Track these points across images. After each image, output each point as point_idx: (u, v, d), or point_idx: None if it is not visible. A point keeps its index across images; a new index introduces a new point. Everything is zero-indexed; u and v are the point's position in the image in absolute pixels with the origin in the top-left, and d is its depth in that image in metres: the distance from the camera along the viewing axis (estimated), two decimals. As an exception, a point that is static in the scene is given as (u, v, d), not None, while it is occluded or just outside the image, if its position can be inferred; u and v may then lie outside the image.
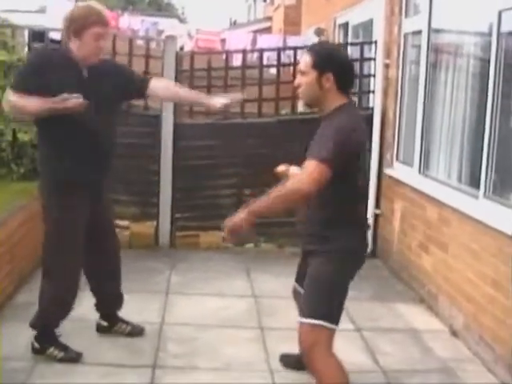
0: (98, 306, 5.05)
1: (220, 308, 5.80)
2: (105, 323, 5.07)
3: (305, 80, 3.75)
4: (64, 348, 4.64)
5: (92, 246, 4.73)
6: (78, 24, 4.29)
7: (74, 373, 4.46)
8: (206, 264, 7.16)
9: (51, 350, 4.62)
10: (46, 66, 4.37)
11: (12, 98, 4.32)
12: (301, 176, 3.57)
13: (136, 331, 5.08)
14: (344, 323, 5.22)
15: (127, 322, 5.09)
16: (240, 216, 3.57)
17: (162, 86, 4.93)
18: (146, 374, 4.51)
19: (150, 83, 4.74)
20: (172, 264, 7.03)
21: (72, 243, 4.55)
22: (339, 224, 3.74)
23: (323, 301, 3.73)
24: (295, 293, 4.27)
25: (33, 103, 4.24)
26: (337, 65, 3.74)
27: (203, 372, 4.59)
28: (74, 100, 4.15)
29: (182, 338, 5.11)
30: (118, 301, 5.08)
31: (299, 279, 4.20)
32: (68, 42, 4.41)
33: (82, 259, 4.68)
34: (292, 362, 4.64)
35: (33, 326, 4.69)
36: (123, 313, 5.11)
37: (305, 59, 3.77)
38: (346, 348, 4.59)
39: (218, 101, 4.72)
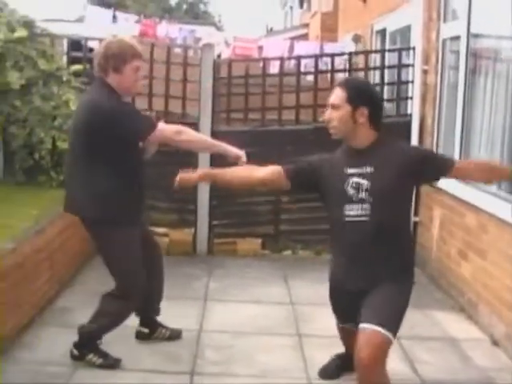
0: (138, 312, 5.03)
1: (257, 315, 5.80)
2: (146, 330, 5.09)
3: (336, 114, 3.76)
4: (103, 354, 4.67)
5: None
6: (117, 59, 4.34)
7: (113, 378, 4.49)
8: (244, 271, 7.17)
9: (90, 356, 4.65)
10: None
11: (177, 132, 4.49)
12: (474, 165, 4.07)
13: (174, 335, 5.13)
14: (382, 331, 5.20)
15: (166, 327, 5.13)
16: None
17: None
18: (184, 380, 4.52)
19: None
20: (210, 271, 7.05)
21: (137, 266, 4.58)
22: (410, 250, 3.81)
23: (398, 317, 3.76)
24: (344, 332, 4.27)
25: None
26: (371, 100, 3.78)
27: (241, 379, 4.59)
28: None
29: (219, 344, 5.11)
30: (157, 308, 5.10)
31: (348, 319, 4.11)
32: (104, 77, 4.40)
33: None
34: (329, 374, 4.62)
35: (81, 334, 4.70)
36: (162, 319, 5.13)
37: (338, 93, 3.78)
38: (385, 356, 4.56)
39: None
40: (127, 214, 4.49)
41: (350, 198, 3.74)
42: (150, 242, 4.95)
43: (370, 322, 3.65)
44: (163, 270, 5.08)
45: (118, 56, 4.35)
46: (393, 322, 3.69)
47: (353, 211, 3.75)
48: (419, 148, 3.90)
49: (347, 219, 3.77)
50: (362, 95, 3.75)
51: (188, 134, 4.53)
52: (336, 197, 3.82)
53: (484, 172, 3.89)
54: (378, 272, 3.78)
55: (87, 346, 4.69)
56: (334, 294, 4.12)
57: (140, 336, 5.10)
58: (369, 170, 3.71)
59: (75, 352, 4.69)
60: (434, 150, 7.17)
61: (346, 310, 4.07)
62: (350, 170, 3.77)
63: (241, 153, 4.58)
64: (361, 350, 3.60)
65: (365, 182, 3.71)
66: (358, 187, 3.73)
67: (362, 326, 3.67)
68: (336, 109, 3.76)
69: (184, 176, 4.12)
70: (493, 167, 4.07)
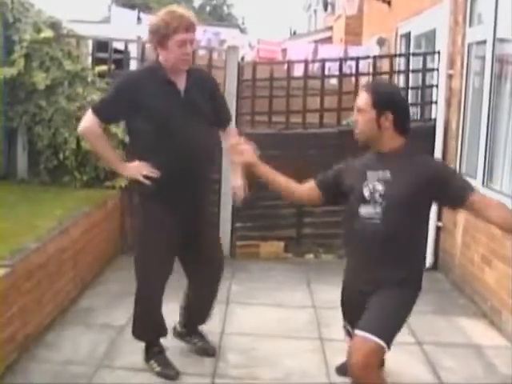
0: (182, 312, 4.96)
1: (280, 318, 5.78)
2: (180, 329, 5.00)
3: (362, 118, 3.73)
4: (163, 363, 4.65)
5: (188, 260, 4.74)
6: (160, 34, 4.16)
7: (135, 379, 4.51)
8: (266, 274, 7.16)
9: (152, 362, 4.67)
10: (132, 89, 4.25)
11: (89, 127, 4.35)
12: (496, 201, 3.70)
13: (206, 348, 4.94)
14: (405, 337, 5.18)
15: (202, 338, 4.99)
16: None
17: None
18: (205, 383, 4.52)
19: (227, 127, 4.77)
20: (232, 273, 7.03)
21: (153, 253, 4.47)
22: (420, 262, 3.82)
23: (395, 325, 3.71)
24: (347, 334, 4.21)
25: (106, 152, 4.47)
26: (396, 105, 3.73)
27: (262, 382, 4.59)
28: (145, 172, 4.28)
29: (241, 347, 5.11)
30: (202, 316, 4.96)
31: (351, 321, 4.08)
32: (156, 54, 4.32)
33: (166, 270, 4.55)
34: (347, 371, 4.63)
35: (132, 333, 4.75)
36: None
37: (364, 97, 3.73)
38: (407, 362, 4.53)
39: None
40: (150, 188, 4.35)
41: (366, 200, 3.74)
42: (207, 251, 4.77)
43: (363, 328, 3.65)
44: (215, 286, 4.92)
45: (161, 30, 4.14)
46: (386, 330, 3.65)
47: (366, 212, 3.74)
48: (443, 166, 3.73)
49: (360, 220, 3.76)
50: (387, 100, 3.70)
51: (89, 137, 4.47)
52: (354, 197, 3.81)
53: (503, 214, 3.55)
54: (382, 278, 3.74)
55: (149, 350, 4.71)
56: (344, 293, 4.10)
57: (175, 333, 5.01)
58: (387, 174, 3.69)
59: (145, 355, 4.74)
60: (459, 155, 7.15)
61: (352, 310, 4.02)
62: (370, 173, 3.76)
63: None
64: (352, 355, 3.63)
65: (381, 186, 3.70)
66: (373, 190, 3.71)
67: (356, 331, 3.68)
68: (361, 112, 3.73)
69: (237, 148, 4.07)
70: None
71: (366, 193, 3.74)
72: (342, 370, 4.69)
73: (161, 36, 4.16)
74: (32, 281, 4.82)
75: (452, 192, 3.59)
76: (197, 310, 4.93)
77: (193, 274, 4.78)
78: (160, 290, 4.57)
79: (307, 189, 4.13)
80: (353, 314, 4.00)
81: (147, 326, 4.69)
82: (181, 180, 4.34)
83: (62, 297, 5.54)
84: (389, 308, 3.69)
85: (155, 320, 4.68)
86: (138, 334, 4.72)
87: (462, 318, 5.98)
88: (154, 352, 4.70)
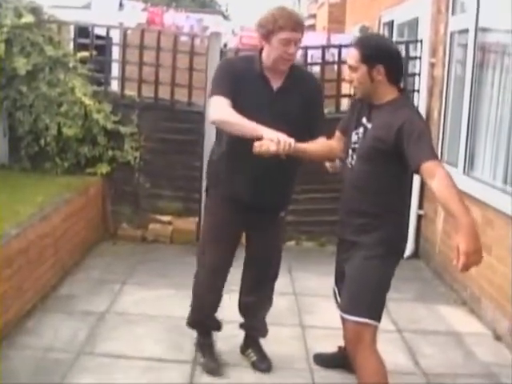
0: (241, 324, 4.89)
1: (261, 305, 5.78)
2: (243, 343, 4.89)
3: (355, 75, 3.72)
4: (205, 355, 4.63)
5: (246, 268, 4.80)
6: (265, 29, 4.02)
7: (116, 367, 4.49)
8: (248, 261, 7.13)
9: (198, 352, 4.67)
10: (231, 72, 4.09)
11: (221, 110, 3.98)
12: (444, 176, 3.30)
13: (259, 363, 4.67)
14: (385, 324, 5.20)
15: (259, 352, 4.75)
16: None
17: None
18: (186, 369, 4.53)
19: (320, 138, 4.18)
20: (213, 260, 7.03)
21: (210, 245, 4.47)
22: (394, 224, 3.78)
23: (369, 297, 3.70)
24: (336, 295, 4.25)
25: (248, 127, 3.88)
26: (386, 56, 3.69)
27: (243, 369, 4.60)
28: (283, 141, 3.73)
29: (222, 334, 5.08)
30: (256, 327, 4.84)
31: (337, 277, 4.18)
32: (260, 47, 4.15)
33: (220, 265, 4.57)
34: (325, 361, 4.66)
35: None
36: (168, 308, 5.11)
37: (352, 54, 3.72)
38: (387, 349, 4.52)
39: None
40: (215, 181, 4.36)
41: (352, 144, 3.83)
42: (260, 252, 4.70)
43: (342, 310, 3.77)
44: (267, 292, 4.81)
45: (267, 25, 4.00)
46: (367, 306, 3.68)
47: (349, 157, 3.84)
48: (410, 127, 3.55)
49: (346, 162, 3.88)
50: (375, 53, 3.67)
51: (229, 119, 3.96)
52: (348, 139, 3.90)
53: (442, 188, 3.30)
54: (355, 225, 3.79)
55: (197, 340, 4.72)
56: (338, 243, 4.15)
57: (240, 348, 4.88)
58: (369, 126, 3.74)
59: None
60: (440, 143, 7.17)
61: (338, 262, 4.12)
62: (363, 121, 3.79)
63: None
64: (344, 335, 3.80)
65: (361, 135, 3.77)
66: (357, 137, 3.79)
67: (340, 314, 3.80)
68: (353, 70, 3.71)
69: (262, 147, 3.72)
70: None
71: (354, 138, 3.82)
72: (319, 358, 4.73)
73: (267, 31, 4.02)
74: (12, 267, 4.79)
75: (408, 157, 3.45)
76: (250, 315, 4.84)
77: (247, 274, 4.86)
78: (212, 279, 4.62)
79: (336, 140, 4.12)
80: (338, 268, 4.09)
81: (198, 317, 4.69)
82: (252, 182, 4.17)
83: (43, 283, 5.52)
84: (364, 282, 3.71)
85: (205, 312, 4.68)
86: (189, 322, 4.71)
87: (443, 306, 6.02)
88: (199, 343, 4.70)
